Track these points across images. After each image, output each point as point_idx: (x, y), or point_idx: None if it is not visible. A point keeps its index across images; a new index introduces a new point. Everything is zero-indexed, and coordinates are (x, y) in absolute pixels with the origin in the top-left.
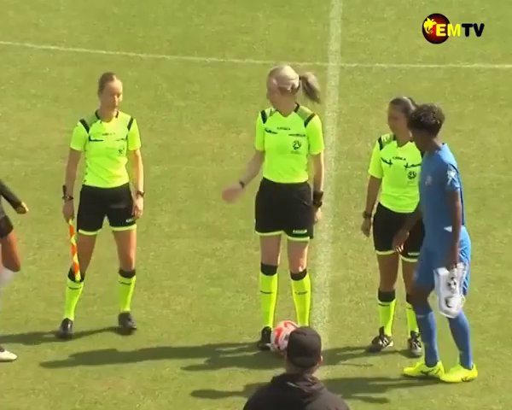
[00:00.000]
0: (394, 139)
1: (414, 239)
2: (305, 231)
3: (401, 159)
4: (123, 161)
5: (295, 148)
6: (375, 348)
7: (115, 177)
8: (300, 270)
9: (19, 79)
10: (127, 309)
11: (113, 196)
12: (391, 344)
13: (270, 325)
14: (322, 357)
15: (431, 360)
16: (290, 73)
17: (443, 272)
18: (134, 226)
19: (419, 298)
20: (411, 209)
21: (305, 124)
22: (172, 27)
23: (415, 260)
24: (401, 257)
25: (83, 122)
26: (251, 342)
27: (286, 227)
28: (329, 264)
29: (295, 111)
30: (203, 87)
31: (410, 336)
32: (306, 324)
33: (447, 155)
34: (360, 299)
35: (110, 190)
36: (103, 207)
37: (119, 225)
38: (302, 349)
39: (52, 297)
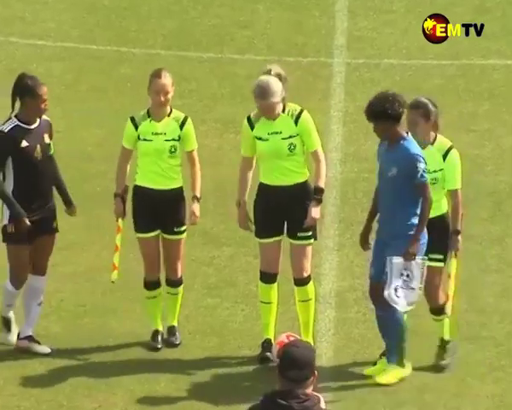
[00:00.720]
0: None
1: (436, 243)
2: (310, 232)
3: None
4: (175, 162)
5: (291, 150)
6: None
7: (166, 179)
8: (305, 275)
9: (4, 75)
10: (173, 323)
11: (164, 199)
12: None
13: (271, 336)
14: (316, 372)
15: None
16: (276, 80)
17: (397, 259)
18: (183, 235)
19: (378, 295)
20: (435, 213)
21: (296, 122)
22: (167, 21)
23: (437, 264)
24: None
25: (132, 119)
26: (250, 356)
27: (289, 230)
28: (335, 273)
29: (283, 111)
30: (200, 85)
31: (439, 343)
32: (310, 335)
33: (414, 146)
34: (367, 310)
35: (160, 191)
36: (155, 208)
37: (167, 233)
38: (294, 362)
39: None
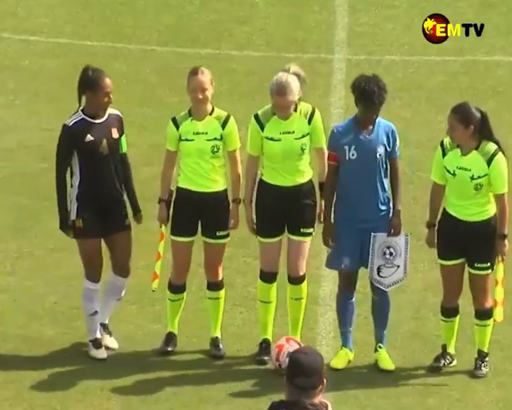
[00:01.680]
0: (458, 146)
1: (481, 249)
2: (312, 229)
3: (466, 170)
4: (217, 162)
5: (302, 150)
6: (436, 368)
7: (209, 181)
8: (301, 273)
9: None
10: (216, 334)
11: (207, 203)
12: (454, 363)
13: (269, 336)
14: (325, 380)
15: (350, 344)
16: (295, 79)
17: (381, 236)
18: (226, 240)
19: (354, 281)
20: (480, 218)
21: (309, 121)
22: (163, 16)
23: (482, 272)
24: (467, 269)
25: (173, 120)
26: (249, 360)
27: (292, 227)
28: (335, 274)
29: (294, 110)
30: None
31: (476, 356)
32: (299, 333)
33: (387, 121)
34: (368, 313)
35: (203, 194)
36: (197, 212)
37: (209, 237)
38: (301, 369)
39: (33, 311)
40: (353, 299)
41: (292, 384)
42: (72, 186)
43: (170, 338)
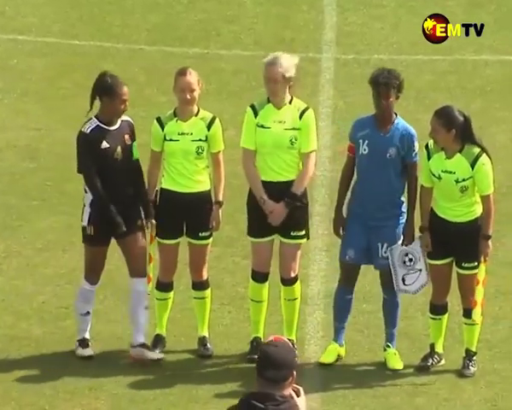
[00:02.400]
0: (442, 149)
1: (468, 249)
2: (304, 232)
3: (451, 173)
4: (202, 164)
5: (292, 143)
6: (424, 367)
7: (192, 181)
8: (293, 275)
9: None
10: (204, 333)
11: (191, 203)
12: (442, 362)
13: (261, 335)
14: (295, 373)
15: (341, 340)
16: (291, 59)
17: (397, 247)
18: (209, 241)
19: (355, 276)
20: (468, 218)
21: (300, 116)
22: (152, 15)
23: (470, 272)
24: (455, 268)
25: (158, 120)
26: (237, 360)
27: (283, 229)
28: (323, 274)
29: (289, 103)
30: None
31: (464, 355)
32: (294, 334)
33: (408, 125)
34: (357, 312)
35: (187, 195)
36: (181, 213)
37: (193, 238)
38: (271, 362)
39: (20, 311)
40: (352, 296)
41: (262, 377)
42: (86, 192)
43: (158, 340)
